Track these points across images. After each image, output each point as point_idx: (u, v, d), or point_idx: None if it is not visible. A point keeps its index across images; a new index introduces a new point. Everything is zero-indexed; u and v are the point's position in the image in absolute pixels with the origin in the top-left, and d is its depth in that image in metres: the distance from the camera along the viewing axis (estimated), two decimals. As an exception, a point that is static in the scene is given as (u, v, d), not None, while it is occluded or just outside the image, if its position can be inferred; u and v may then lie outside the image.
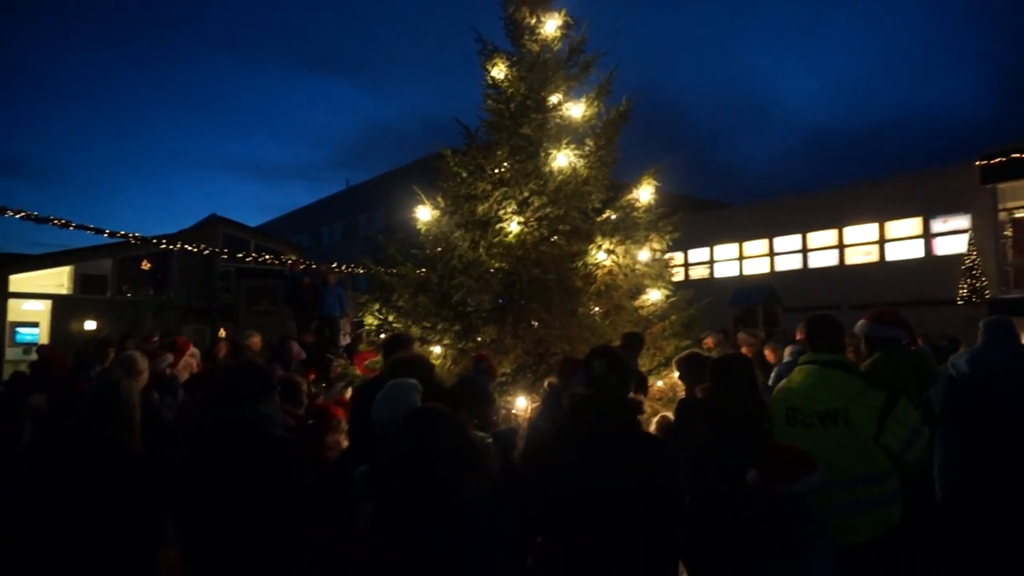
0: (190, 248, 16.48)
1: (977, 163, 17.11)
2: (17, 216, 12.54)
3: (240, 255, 17.55)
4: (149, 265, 21.57)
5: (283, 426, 3.30)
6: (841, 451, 3.07)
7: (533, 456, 3.27)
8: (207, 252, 17.14)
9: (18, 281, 20.06)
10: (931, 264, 18.74)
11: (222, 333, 15.83)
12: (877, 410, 3.06)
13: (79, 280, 21.07)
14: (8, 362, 17.07)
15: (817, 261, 21.82)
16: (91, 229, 13.83)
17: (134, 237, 14.97)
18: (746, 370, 3.47)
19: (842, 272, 20.89)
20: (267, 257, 18.20)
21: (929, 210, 19.06)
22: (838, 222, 21.16)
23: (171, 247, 16.98)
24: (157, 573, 3.44)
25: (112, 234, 14.25)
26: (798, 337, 9.63)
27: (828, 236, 21.56)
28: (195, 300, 21.91)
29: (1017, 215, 17.45)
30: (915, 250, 19.47)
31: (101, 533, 3.05)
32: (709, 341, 8.24)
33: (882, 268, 19.94)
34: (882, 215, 20.12)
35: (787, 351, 7.89)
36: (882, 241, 20.22)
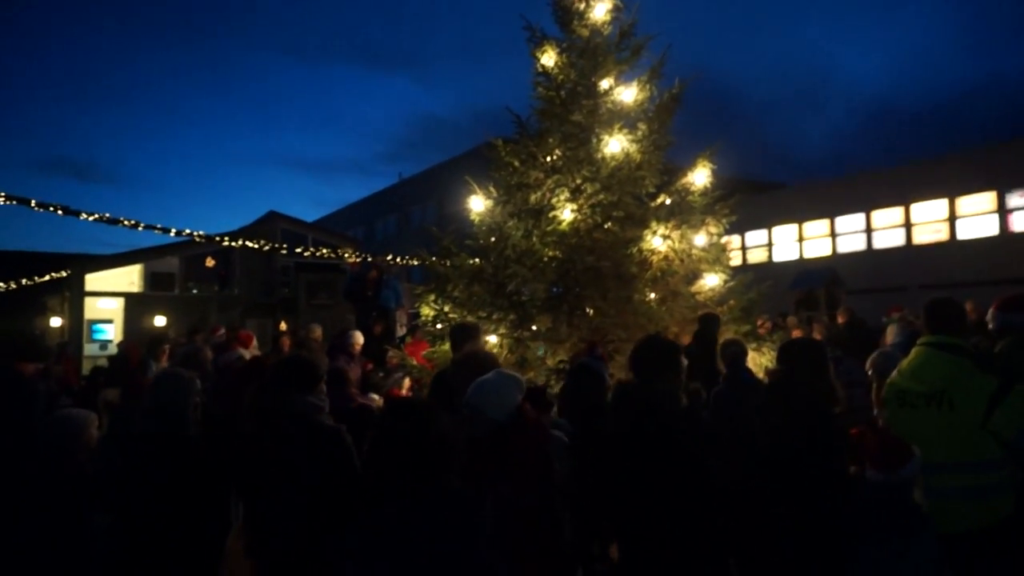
0: (251, 244, 16.97)
1: (1057, 132, 16.15)
2: (91, 219, 13.14)
3: (299, 250, 17.97)
4: (213, 262, 22.28)
5: (329, 415, 3.43)
6: (944, 435, 3.00)
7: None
8: (267, 248, 17.61)
9: (93, 280, 21.03)
10: (1007, 241, 17.81)
11: (283, 326, 16.29)
12: (986, 395, 2.94)
13: (149, 278, 21.96)
14: (86, 357, 17.92)
15: (882, 241, 20.99)
16: (158, 229, 14.39)
17: (199, 235, 15.50)
18: (816, 353, 3.40)
19: (910, 252, 20.05)
20: (324, 251, 18.59)
21: (1004, 184, 18.09)
22: (905, 199, 20.29)
23: (233, 244, 17.51)
24: (223, 556, 3.61)
25: (178, 233, 14.80)
26: (839, 321, 9.40)
27: (894, 214, 20.70)
28: (257, 295, 22.59)
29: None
30: (989, 227, 18.52)
31: (167, 518, 3.22)
32: (767, 325, 8.07)
33: (953, 247, 19.05)
34: (953, 191, 19.19)
35: (890, 332, 7.69)
36: (952, 218, 19.30)
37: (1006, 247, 17.56)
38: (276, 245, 18.25)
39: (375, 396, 5.94)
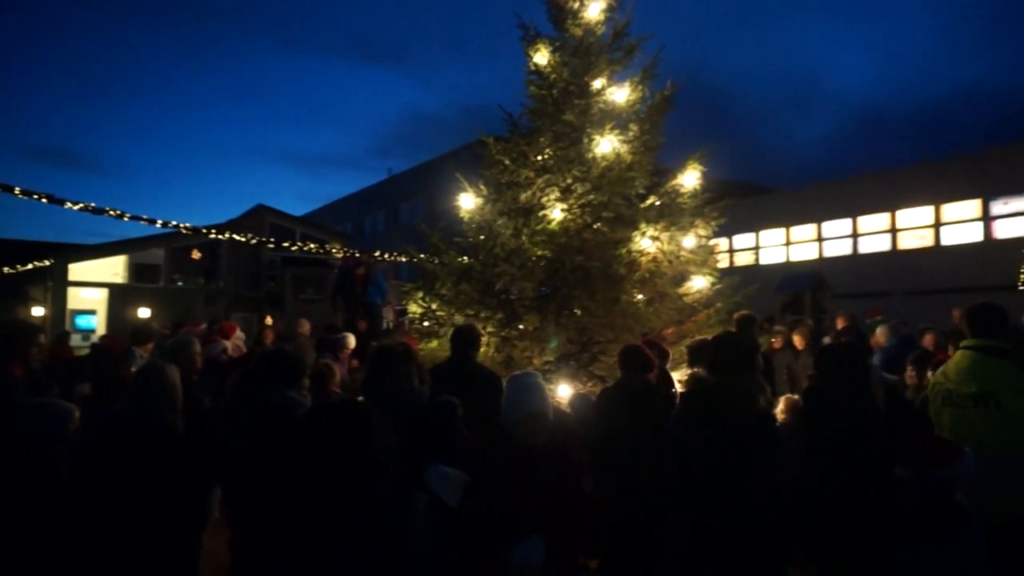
0: (238, 238, 16.83)
1: (1041, 142, 16.34)
2: (76, 208, 12.96)
3: (286, 244, 17.85)
4: (199, 255, 22.13)
5: (306, 409, 3.41)
6: (993, 432, 3.18)
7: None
8: (254, 241, 17.48)
9: (77, 270, 20.82)
10: (990, 248, 18.01)
11: (268, 321, 16.17)
12: None
13: (134, 269, 21.78)
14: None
15: (868, 246, 21.17)
16: (144, 219, 14.21)
17: (185, 227, 15.34)
18: (855, 358, 3.52)
19: (895, 257, 20.23)
20: (312, 246, 18.47)
21: (988, 191, 18.29)
22: (891, 205, 20.47)
23: (220, 236, 17.36)
24: (200, 550, 3.58)
25: (164, 224, 14.61)
26: (839, 326, 9.46)
27: (880, 220, 20.88)
28: (243, 288, 22.45)
29: (1084, 196, 16.65)
30: (973, 234, 18.72)
31: (147, 508, 3.18)
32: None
33: (938, 253, 19.24)
34: (938, 197, 19.38)
35: (880, 332, 7.90)
36: (938, 224, 19.49)
37: (989, 254, 17.76)
38: (263, 239, 18.11)
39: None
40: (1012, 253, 16.50)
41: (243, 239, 16.74)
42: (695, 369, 4.74)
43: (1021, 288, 15.77)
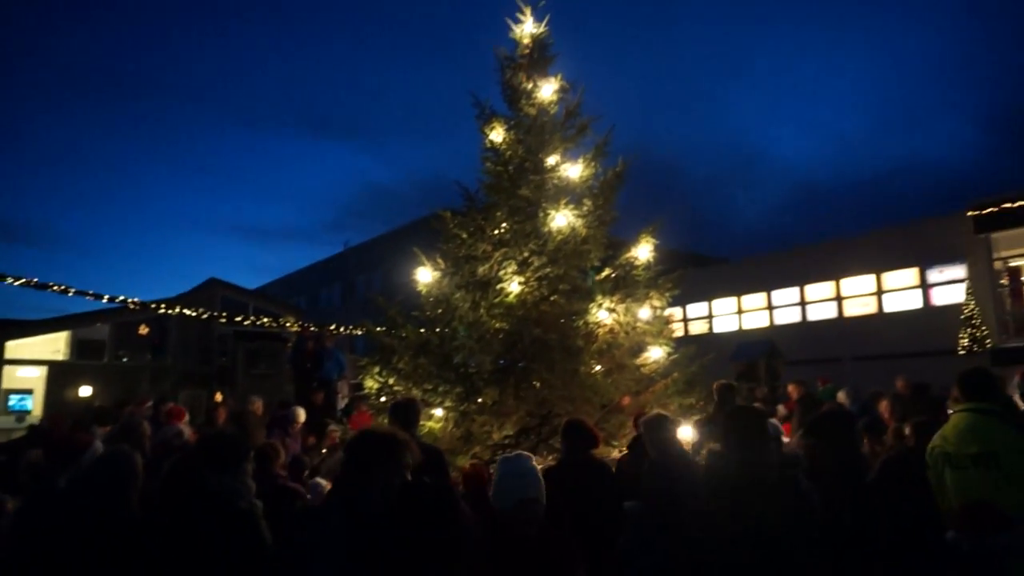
0: (189, 312, 16.44)
1: (969, 213, 17.31)
2: (17, 283, 12.54)
3: (239, 318, 17.50)
4: (147, 330, 21.49)
5: (249, 495, 3.26)
6: (995, 493, 3.25)
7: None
8: (205, 316, 17.09)
9: (14, 348, 19.95)
10: (930, 314, 18.71)
11: (218, 397, 15.65)
12: None
13: (76, 345, 20.98)
14: (0, 431, 16.80)
15: (816, 314, 21.79)
16: (90, 295, 13.82)
17: (133, 302, 14.95)
18: (847, 425, 3.61)
19: (841, 324, 20.83)
20: (266, 320, 18.14)
21: (925, 260, 19.15)
22: (835, 274, 21.22)
23: (170, 311, 16.94)
24: None
25: (111, 299, 14.23)
26: (793, 396, 9.67)
27: (826, 288, 21.59)
28: (192, 364, 21.77)
29: (1012, 264, 17.56)
30: (913, 301, 19.47)
31: None
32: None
33: (881, 319, 19.90)
34: (879, 266, 20.19)
35: (842, 397, 8.25)
36: (880, 292, 20.23)
37: (929, 320, 18.44)
38: (215, 313, 17.73)
39: (320, 480, 5.71)
40: (949, 319, 17.17)
41: (194, 313, 16.36)
42: (710, 444, 4.68)
43: (961, 353, 16.36)
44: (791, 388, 9.53)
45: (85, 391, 19.33)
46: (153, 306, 15.74)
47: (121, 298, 14.34)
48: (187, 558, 2.97)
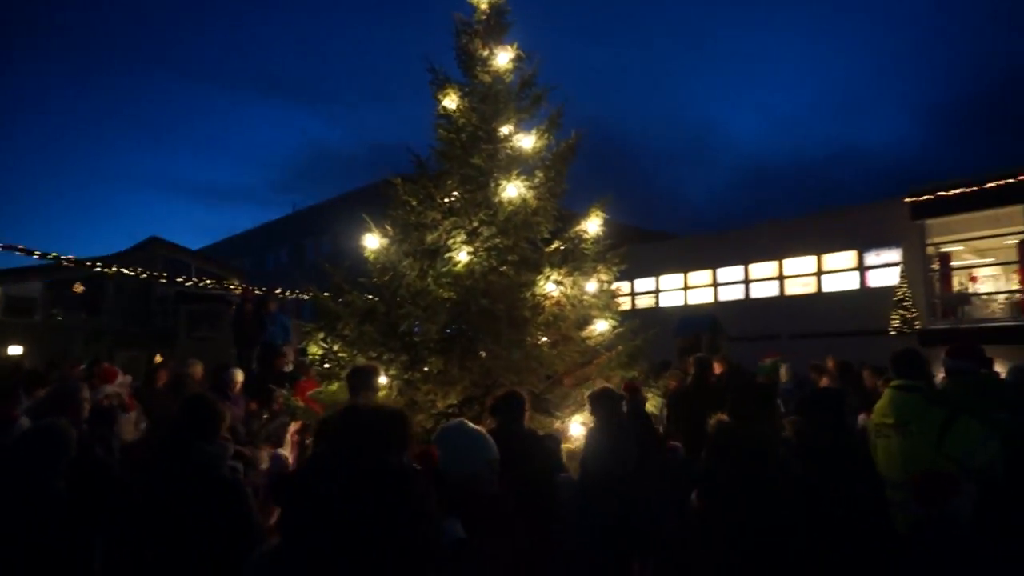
0: (127, 272, 15.87)
1: (906, 200, 17.95)
2: (-61, 236, 11.88)
3: (180, 279, 16.99)
4: (82, 288, 20.70)
5: (227, 460, 3.24)
6: (909, 458, 3.72)
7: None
8: (144, 276, 16.53)
9: (-63, 303, 19.00)
10: (865, 296, 19.47)
11: (158, 359, 15.23)
12: (937, 424, 3.69)
13: (5, 303, 20.08)
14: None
15: (759, 292, 22.42)
16: (20, 250, 13.18)
17: (66, 259, 14.33)
18: (837, 405, 4.05)
19: (782, 303, 21.50)
20: (208, 282, 17.66)
21: (863, 244, 19.86)
22: (778, 254, 21.83)
23: (106, 270, 16.32)
24: None
25: (43, 256, 13.61)
26: (716, 371, 9.97)
27: (769, 268, 22.21)
28: (131, 325, 21.10)
29: (943, 249, 18.34)
30: (851, 282, 20.22)
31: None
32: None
33: (820, 299, 20.61)
34: (819, 248, 20.86)
35: (784, 374, 8.62)
36: (820, 273, 20.93)
37: (865, 301, 19.19)
38: (155, 273, 17.16)
39: (282, 451, 5.66)
40: (884, 301, 17.89)
41: (132, 273, 15.80)
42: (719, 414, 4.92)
43: (892, 333, 17.10)
44: (715, 364, 9.79)
45: (15, 350, 18.58)
46: (89, 264, 15.13)
47: (53, 255, 13.74)
48: (174, 525, 2.94)
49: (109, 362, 9.53)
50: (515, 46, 7.05)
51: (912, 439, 3.77)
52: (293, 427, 6.02)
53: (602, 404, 4.72)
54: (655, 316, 22.91)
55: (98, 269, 16.10)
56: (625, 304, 24.78)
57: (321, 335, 6.53)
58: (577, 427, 5.88)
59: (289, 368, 8.90)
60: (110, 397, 6.32)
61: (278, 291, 15.78)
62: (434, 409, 5.99)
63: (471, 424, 3.14)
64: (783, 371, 8.99)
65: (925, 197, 17.56)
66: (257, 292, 12.34)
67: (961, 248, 18.59)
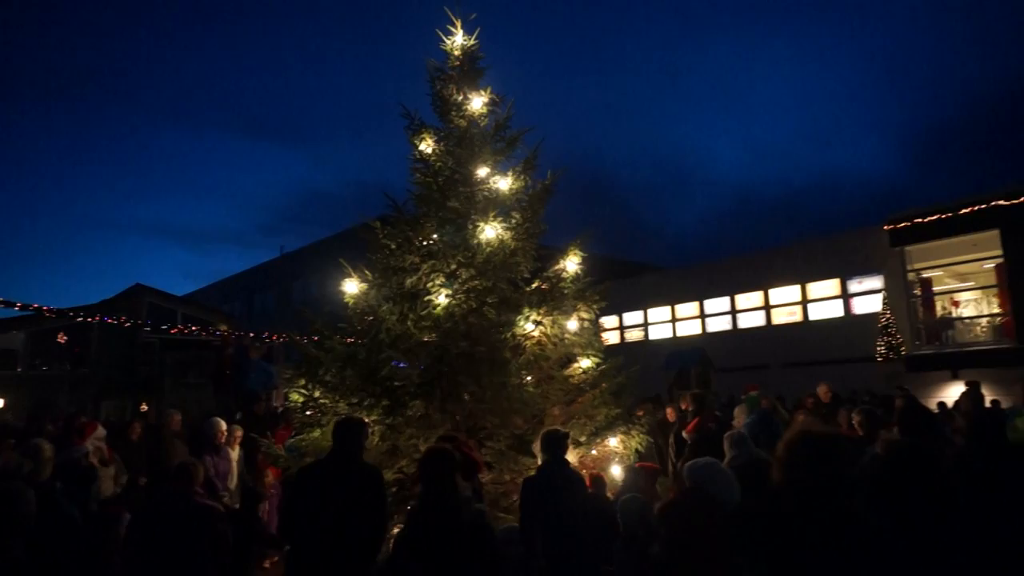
0: (110, 320, 15.76)
1: (885, 227, 18.19)
2: (-82, 290, 11.79)
3: (165, 327, 16.86)
4: (65, 338, 20.52)
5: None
6: None
7: None
8: (128, 324, 16.41)
9: (-83, 358, 18.76)
10: (850, 323, 19.56)
11: (143, 408, 15.07)
12: None
13: (-13, 355, 19.87)
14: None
15: (746, 322, 22.49)
16: (1, 302, 13.09)
17: (48, 310, 14.22)
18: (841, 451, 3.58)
19: (769, 332, 21.56)
20: (194, 328, 17.55)
21: (845, 271, 20.02)
22: (764, 284, 21.96)
23: (89, 319, 16.20)
24: None
25: (24, 307, 13.50)
26: (683, 406, 9.91)
27: (755, 298, 22.31)
28: (115, 374, 20.89)
29: (924, 275, 18.53)
30: (835, 310, 20.32)
31: None
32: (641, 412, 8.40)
33: (806, 328, 20.68)
34: (803, 277, 21.01)
35: (738, 413, 8.48)
36: (805, 302, 21.05)
37: (850, 328, 19.28)
38: (139, 321, 17.05)
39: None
40: (868, 328, 17.99)
41: (115, 321, 15.69)
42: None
43: (879, 360, 17.16)
44: (682, 401, 9.78)
45: (-3, 403, 18.30)
46: (71, 314, 15.01)
47: (35, 306, 13.63)
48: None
49: (95, 410, 9.43)
50: (488, 90, 7.18)
51: None
52: (271, 477, 5.94)
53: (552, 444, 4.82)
54: (644, 349, 22.91)
55: (80, 319, 15.98)
56: (614, 338, 24.80)
57: (302, 382, 6.48)
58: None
59: (262, 412, 8.80)
60: (92, 454, 6.25)
61: (265, 335, 15.68)
62: (416, 453, 5.93)
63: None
64: (738, 412, 8.84)
65: (903, 224, 17.81)
66: (240, 335, 12.24)
67: (941, 273, 18.80)
